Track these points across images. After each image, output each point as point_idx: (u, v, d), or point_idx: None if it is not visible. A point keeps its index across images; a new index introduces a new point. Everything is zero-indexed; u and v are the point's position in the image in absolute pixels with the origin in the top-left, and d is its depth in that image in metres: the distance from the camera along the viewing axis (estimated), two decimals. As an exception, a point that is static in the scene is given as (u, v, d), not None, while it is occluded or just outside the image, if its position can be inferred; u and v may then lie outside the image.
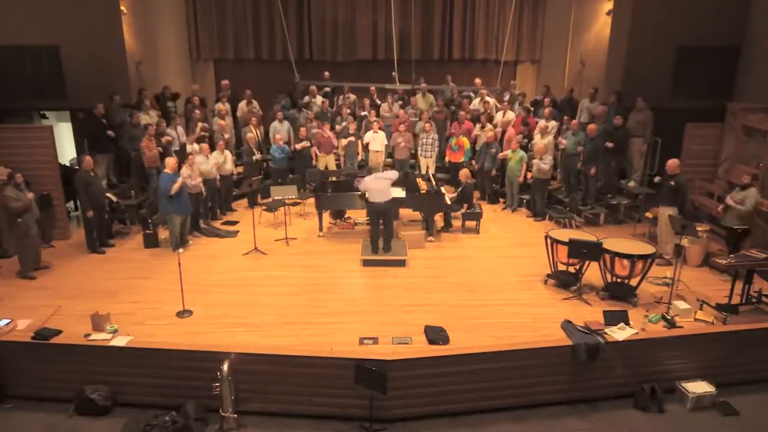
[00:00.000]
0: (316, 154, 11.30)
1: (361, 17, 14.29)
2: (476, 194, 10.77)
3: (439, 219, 9.93)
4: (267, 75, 14.18)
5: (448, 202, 9.49)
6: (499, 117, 11.85)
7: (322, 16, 14.25)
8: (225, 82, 12.66)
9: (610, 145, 10.25)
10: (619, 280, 7.45)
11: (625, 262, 7.19)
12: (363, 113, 12.20)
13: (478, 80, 13.15)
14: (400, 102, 12.65)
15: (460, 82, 13.55)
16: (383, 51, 14.38)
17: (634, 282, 7.45)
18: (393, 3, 12.79)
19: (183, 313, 7.04)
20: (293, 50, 13.55)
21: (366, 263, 8.39)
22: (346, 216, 10.17)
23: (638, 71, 11.48)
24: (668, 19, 11.20)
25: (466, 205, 9.78)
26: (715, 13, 11.08)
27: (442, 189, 9.66)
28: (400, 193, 9.31)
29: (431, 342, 6.42)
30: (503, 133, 11.34)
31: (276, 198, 9.70)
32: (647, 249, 7.42)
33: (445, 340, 6.43)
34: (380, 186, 8.42)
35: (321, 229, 9.65)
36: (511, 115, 11.80)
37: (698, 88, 11.30)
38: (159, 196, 8.77)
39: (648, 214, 9.46)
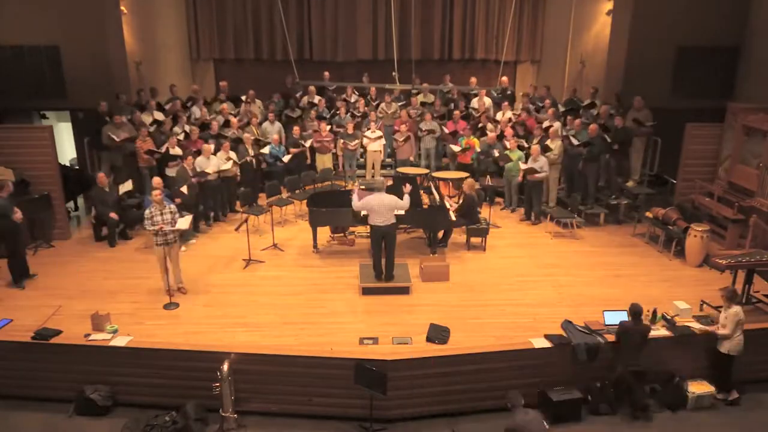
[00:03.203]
0: (311, 154, 11.28)
1: (361, 17, 14.27)
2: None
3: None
4: (267, 75, 14.17)
5: (453, 218, 8.90)
6: (498, 116, 11.85)
7: (322, 16, 14.24)
8: (223, 83, 12.66)
9: (615, 147, 10.24)
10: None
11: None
12: (366, 110, 12.11)
13: (473, 80, 13.13)
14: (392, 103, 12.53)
15: (460, 82, 13.54)
16: (383, 51, 14.37)
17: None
18: (393, 3, 12.78)
19: (170, 306, 7.15)
20: (293, 50, 13.55)
21: (366, 291, 7.62)
22: (348, 230, 9.55)
23: (638, 71, 11.48)
24: (668, 19, 11.20)
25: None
26: (715, 13, 11.09)
27: (447, 203, 9.25)
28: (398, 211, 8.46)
29: (428, 340, 6.42)
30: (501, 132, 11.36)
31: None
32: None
33: (442, 340, 6.42)
34: (383, 209, 7.54)
35: (315, 247, 8.96)
36: (509, 114, 11.79)
37: (698, 88, 11.31)
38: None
39: (648, 214, 9.46)
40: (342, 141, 11.44)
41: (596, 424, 6.25)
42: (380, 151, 11.52)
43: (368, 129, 11.52)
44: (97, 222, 9.29)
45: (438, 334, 6.48)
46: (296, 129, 11.13)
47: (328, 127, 11.38)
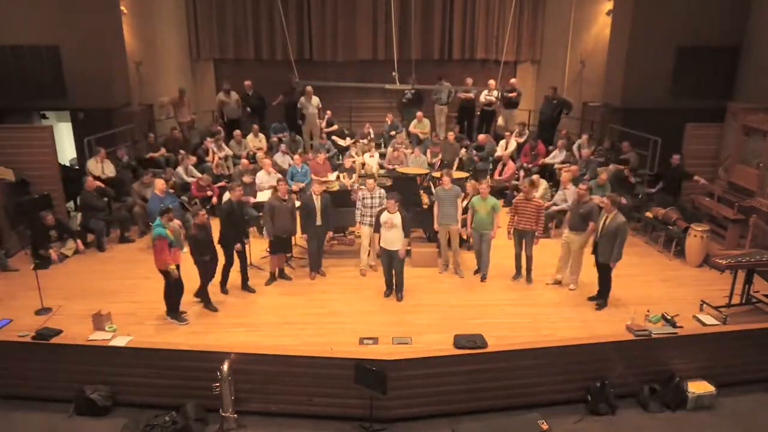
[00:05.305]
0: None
1: (361, 17, 14.30)
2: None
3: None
4: (267, 75, 14.18)
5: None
6: (501, 146, 11.82)
7: (322, 16, 14.26)
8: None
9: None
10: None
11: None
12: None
13: (469, 80, 13.09)
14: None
15: (460, 83, 13.54)
16: (383, 51, 14.39)
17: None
18: (393, 3, 12.78)
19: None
20: (293, 50, 13.54)
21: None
22: (348, 230, 9.52)
23: (638, 71, 11.49)
24: (668, 19, 11.20)
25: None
26: (715, 13, 11.10)
27: None
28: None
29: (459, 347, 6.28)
30: (503, 166, 11.24)
31: None
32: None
33: (474, 345, 6.29)
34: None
35: None
36: (513, 145, 11.73)
37: (698, 88, 11.31)
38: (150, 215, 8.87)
39: (648, 214, 9.46)
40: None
41: (596, 423, 6.26)
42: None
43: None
44: (82, 229, 9.06)
45: (466, 341, 6.31)
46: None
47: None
